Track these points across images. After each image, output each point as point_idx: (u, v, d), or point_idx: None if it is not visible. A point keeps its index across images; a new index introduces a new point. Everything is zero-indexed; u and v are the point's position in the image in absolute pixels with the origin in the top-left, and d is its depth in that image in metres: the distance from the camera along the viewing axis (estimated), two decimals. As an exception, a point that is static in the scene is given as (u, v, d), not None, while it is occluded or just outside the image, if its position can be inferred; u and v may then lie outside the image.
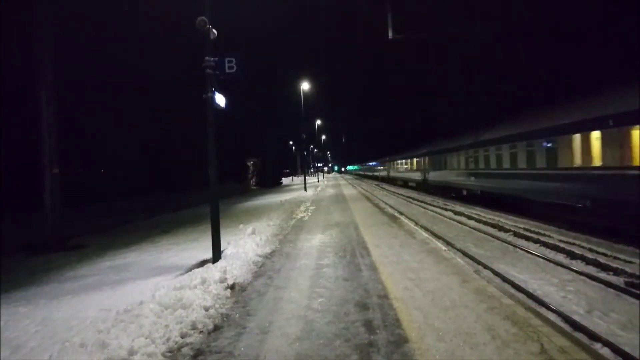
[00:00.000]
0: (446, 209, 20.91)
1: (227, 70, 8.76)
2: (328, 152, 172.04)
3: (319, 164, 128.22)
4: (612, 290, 7.69)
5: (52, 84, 14.21)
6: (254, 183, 59.95)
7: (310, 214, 18.99)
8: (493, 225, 14.91)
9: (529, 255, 10.62)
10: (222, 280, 7.09)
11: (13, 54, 17.50)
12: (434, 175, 31.17)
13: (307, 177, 46.93)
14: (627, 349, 5.28)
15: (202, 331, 5.28)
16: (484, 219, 16.29)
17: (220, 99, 9.07)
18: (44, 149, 13.97)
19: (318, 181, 68.80)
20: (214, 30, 8.75)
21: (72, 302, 7.18)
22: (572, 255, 10.07)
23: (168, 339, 4.95)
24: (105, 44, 27.99)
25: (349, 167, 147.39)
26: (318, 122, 75.20)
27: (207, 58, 8.65)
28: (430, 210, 21.24)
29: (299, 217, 17.91)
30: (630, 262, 8.95)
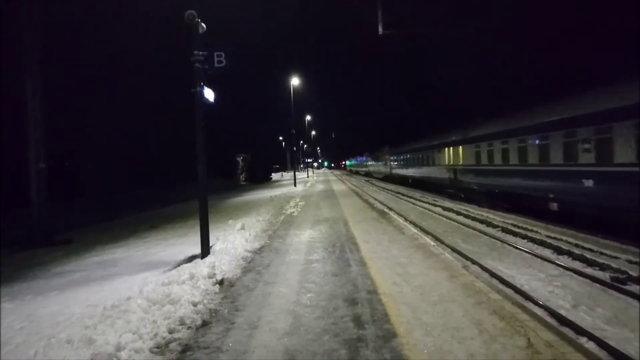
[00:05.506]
0: (435, 205, 21.02)
1: (216, 65, 8.66)
2: (318, 148, 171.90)
3: (309, 160, 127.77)
4: (598, 286, 7.79)
5: (38, 74, 13.93)
6: (243, 178, 59.67)
7: (299, 209, 18.97)
8: (482, 221, 15.03)
9: (517, 250, 10.72)
10: (211, 275, 7.06)
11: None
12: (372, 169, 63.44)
13: (296, 173, 46.89)
14: (612, 343, 5.35)
15: (190, 327, 5.25)
16: (472, 215, 16.41)
17: (209, 94, 8.98)
18: (29, 143, 13.74)
19: (308, 177, 68.79)
20: (203, 24, 8.65)
21: (59, 298, 7.10)
22: (559, 251, 10.18)
23: (156, 335, 4.91)
24: (93, 36, 27.56)
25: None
26: (308, 117, 75.12)
27: (195, 52, 8.54)
28: (420, 206, 21.33)
29: (288, 212, 17.88)
30: (616, 258, 9.07)
